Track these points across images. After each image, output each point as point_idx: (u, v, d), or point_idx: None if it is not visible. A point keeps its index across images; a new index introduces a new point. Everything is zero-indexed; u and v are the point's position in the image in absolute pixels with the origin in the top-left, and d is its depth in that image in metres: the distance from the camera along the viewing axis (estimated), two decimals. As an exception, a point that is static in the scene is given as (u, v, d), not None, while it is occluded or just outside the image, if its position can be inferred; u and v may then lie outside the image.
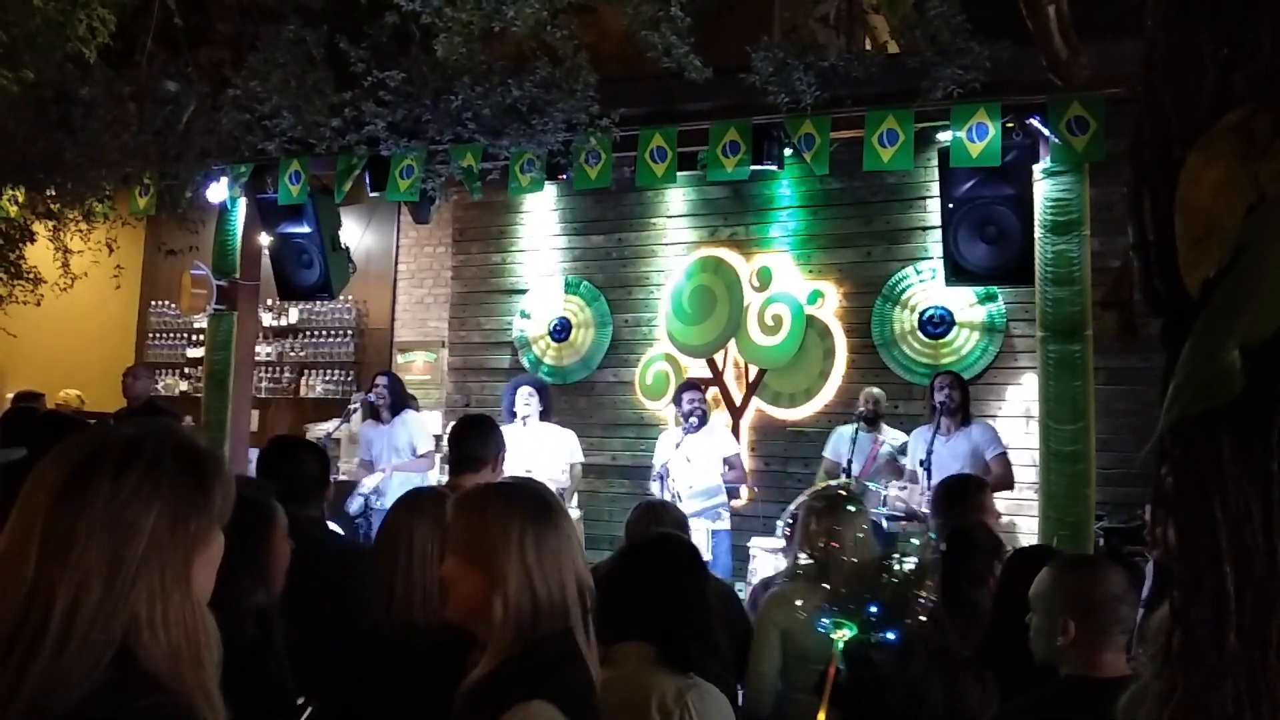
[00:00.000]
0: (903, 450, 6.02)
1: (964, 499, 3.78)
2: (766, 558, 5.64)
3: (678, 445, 6.16)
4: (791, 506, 2.59)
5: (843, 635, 2.32)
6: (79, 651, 1.12)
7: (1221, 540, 0.88)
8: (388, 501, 6.13)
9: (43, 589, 1.13)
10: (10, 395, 7.56)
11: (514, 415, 6.27)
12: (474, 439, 3.42)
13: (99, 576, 1.15)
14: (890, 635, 2.43)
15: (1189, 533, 0.91)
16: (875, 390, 6.26)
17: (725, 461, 6.25)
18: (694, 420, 6.22)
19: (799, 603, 2.64)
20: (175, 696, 1.16)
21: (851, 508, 2.66)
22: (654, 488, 6.03)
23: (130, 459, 1.21)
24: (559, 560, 1.69)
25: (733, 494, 6.26)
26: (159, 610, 1.17)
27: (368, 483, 6.24)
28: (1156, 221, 0.92)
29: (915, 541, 2.73)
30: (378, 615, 2.23)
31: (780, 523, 2.63)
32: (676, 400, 6.44)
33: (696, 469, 6.12)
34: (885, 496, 5.58)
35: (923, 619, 2.50)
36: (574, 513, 6.40)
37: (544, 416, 6.42)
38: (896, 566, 2.73)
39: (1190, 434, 0.90)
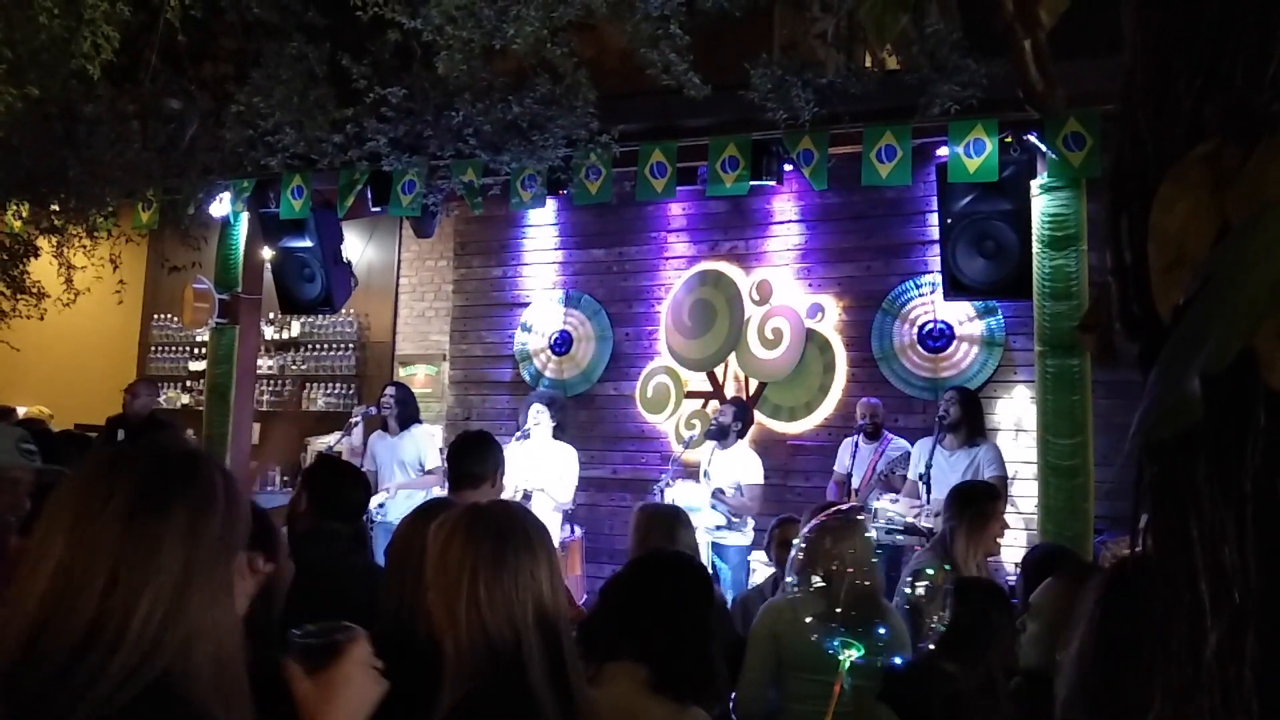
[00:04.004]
0: (904, 461, 6.01)
1: (975, 504, 3.90)
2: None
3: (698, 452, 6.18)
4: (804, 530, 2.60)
5: (850, 655, 2.33)
6: (151, 654, 1.15)
7: (1198, 559, 0.90)
8: (390, 515, 6.13)
9: (123, 593, 1.15)
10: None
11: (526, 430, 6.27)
12: (472, 455, 3.44)
13: (175, 583, 1.18)
14: (897, 659, 2.44)
15: (1166, 551, 0.93)
16: (870, 401, 6.28)
17: (737, 487, 6.10)
18: (711, 429, 6.26)
19: (797, 614, 2.63)
20: (200, 708, 1.18)
21: (858, 531, 2.67)
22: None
23: (194, 472, 1.26)
24: (513, 593, 1.66)
25: (732, 519, 6.17)
26: (212, 618, 1.21)
27: (372, 501, 6.22)
28: (1133, 247, 0.94)
29: (931, 570, 2.74)
30: (389, 625, 2.24)
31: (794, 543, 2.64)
32: None
33: (709, 485, 6.12)
34: (875, 509, 5.56)
35: (933, 645, 2.51)
36: (564, 532, 6.36)
37: (556, 433, 6.40)
38: (909, 591, 2.74)
39: (1167, 455, 0.92)
